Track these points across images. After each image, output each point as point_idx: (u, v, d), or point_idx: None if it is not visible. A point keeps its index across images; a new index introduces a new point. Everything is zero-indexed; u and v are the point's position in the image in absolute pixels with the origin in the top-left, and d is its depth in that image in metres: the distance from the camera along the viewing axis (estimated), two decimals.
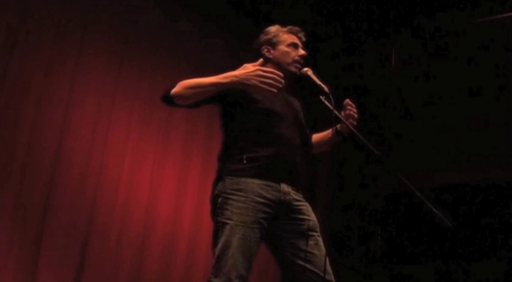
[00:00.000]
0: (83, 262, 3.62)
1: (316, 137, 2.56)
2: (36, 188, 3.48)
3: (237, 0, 4.77)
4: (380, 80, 5.24)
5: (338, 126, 2.46)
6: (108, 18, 4.05)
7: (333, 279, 2.17)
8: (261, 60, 2.19)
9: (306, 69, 2.39)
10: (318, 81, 2.36)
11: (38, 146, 3.53)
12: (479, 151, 4.52)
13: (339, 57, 5.43)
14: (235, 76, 2.09)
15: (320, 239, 2.20)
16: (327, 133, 2.53)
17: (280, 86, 2.11)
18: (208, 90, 2.11)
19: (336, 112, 2.32)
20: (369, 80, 5.29)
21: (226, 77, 2.10)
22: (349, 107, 2.42)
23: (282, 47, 2.40)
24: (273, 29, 2.45)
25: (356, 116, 2.42)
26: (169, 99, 2.15)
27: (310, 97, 2.58)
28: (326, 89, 2.33)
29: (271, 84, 2.07)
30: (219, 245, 2.04)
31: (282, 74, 2.13)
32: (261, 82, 2.06)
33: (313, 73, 2.39)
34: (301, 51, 2.42)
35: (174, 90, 2.13)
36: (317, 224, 2.23)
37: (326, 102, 2.35)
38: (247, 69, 2.10)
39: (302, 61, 2.41)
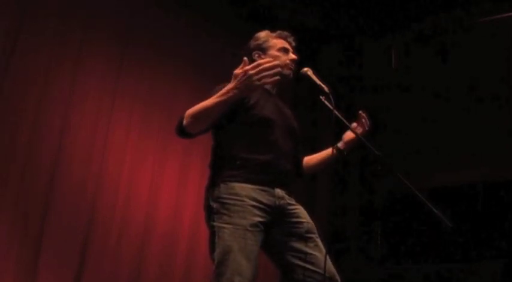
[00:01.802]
0: (83, 262, 3.62)
1: (311, 158, 2.53)
2: (36, 188, 3.49)
3: (237, 0, 4.76)
4: (380, 80, 5.24)
5: (339, 144, 2.48)
6: (108, 19, 4.05)
7: (339, 278, 2.16)
8: (245, 59, 2.05)
9: (306, 69, 2.39)
10: (318, 81, 2.35)
11: (38, 146, 3.53)
12: (479, 151, 4.52)
13: (339, 57, 5.43)
14: (234, 88, 2.02)
15: (319, 240, 2.19)
16: (324, 153, 2.51)
17: (279, 69, 2.05)
18: (216, 110, 2.06)
19: (336, 112, 2.32)
20: (369, 80, 5.29)
21: (226, 93, 2.04)
22: (363, 120, 2.49)
23: (273, 52, 2.39)
24: (263, 34, 2.45)
25: (367, 127, 2.49)
26: (185, 132, 2.13)
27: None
28: (326, 89, 2.33)
29: (269, 75, 2.01)
30: (219, 250, 2.01)
31: (271, 59, 2.08)
32: (260, 80, 2.00)
33: (313, 73, 2.38)
34: (292, 56, 2.41)
35: (185, 123, 2.09)
36: (314, 226, 2.22)
37: (326, 102, 2.35)
38: (239, 75, 2.02)
39: (293, 65, 2.41)
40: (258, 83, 1.99)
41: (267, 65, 2.00)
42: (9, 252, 3.30)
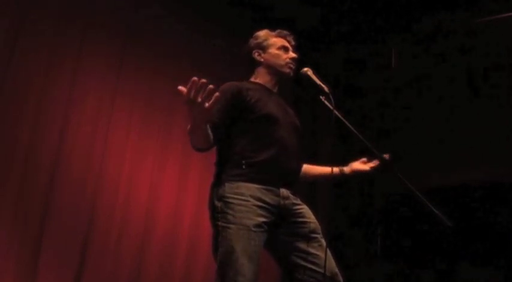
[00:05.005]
0: (83, 262, 3.62)
1: (311, 168, 2.55)
2: (36, 188, 3.48)
3: (238, 0, 4.76)
4: (380, 80, 5.23)
5: (346, 168, 2.49)
6: (108, 18, 4.05)
7: (341, 279, 2.17)
8: (180, 89, 1.83)
9: (306, 69, 2.39)
10: (318, 81, 2.36)
11: (38, 146, 3.53)
12: (479, 151, 4.51)
13: (339, 57, 5.43)
14: (195, 120, 1.93)
15: (323, 241, 2.19)
16: (326, 169, 2.54)
17: (211, 86, 1.82)
18: (201, 134, 2.03)
19: (336, 112, 2.32)
20: (368, 80, 5.29)
21: (195, 127, 1.96)
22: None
23: (273, 50, 2.40)
24: (262, 33, 2.46)
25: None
26: (201, 149, 2.14)
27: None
28: (326, 89, 2.33)
29: (207, 96, 1.82)
30: (222, 250, 2.01)
31: (195, 79, 1.81)
32: (192, 102, 1.82)
33: (313, 73, 2.39)
34: (292, 54, 2.42)
35: (192, 144, 2.11)
36: (318, 226, 2.23)
37: (326, 102, 2.35)
38: (187, 106, 1.87)
39: (294, 63, 2.41)
40: (198, 104, 1.82)
41: (191, 89, 1.80)
42: (9, 252, 3.30)
